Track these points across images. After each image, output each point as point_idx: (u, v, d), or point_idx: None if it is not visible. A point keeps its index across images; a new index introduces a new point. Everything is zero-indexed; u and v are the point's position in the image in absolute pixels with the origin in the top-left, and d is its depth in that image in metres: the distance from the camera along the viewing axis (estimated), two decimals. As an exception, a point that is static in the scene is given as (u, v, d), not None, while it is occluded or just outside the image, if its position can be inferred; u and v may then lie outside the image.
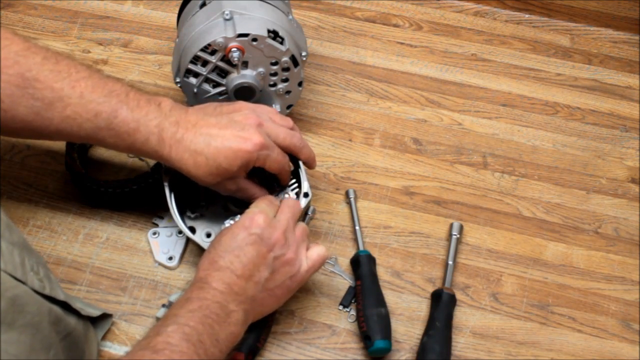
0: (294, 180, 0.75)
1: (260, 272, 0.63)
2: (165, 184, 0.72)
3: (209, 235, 0.73)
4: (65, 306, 0.60)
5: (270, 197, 0.69)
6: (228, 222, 0.71)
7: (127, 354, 0.55)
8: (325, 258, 0.68)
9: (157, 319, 0.70)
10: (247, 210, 0.66)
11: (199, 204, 0.75)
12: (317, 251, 0.68)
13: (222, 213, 0.75)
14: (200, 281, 0.62)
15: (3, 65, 0.61)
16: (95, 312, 0.66)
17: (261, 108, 0.71)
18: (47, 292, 0.57)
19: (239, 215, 0.71)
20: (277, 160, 0.68)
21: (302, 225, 0.69)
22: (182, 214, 0.73)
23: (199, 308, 0.58)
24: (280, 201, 0.69)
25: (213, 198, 0.75)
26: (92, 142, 0.67)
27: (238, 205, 0.74)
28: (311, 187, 0.74)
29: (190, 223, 0.74)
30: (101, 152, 0.84)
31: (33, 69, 0.62)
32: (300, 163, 0.74)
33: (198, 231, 0.73)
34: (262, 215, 0.65)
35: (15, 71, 0.61)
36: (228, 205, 0.75)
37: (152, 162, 0.82)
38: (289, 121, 0.72)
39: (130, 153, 0.66)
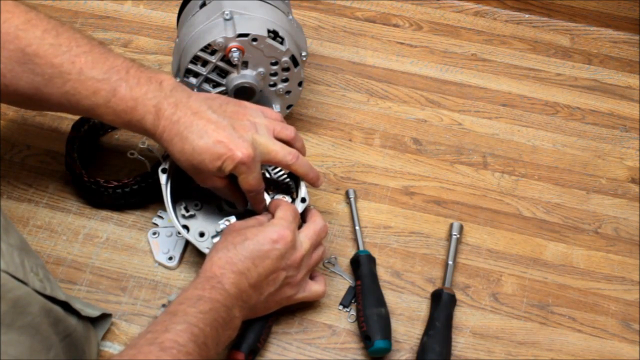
0: (286, 175, 0.75)
1: (268, 285, 0.65)
2: (163, 184, 0.72)
3: (202, 235, 0.73)
4: (66, 307, 0.60)
5: (295, 209, 0.69)
6: (222, 223, 0.70)
7: (130, 346, 0.54)
8: (319, 298, 0.72)
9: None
10: (274, 222, 0.66)
11: (193, 203, 0.75)
12: (317, 288, 0.71)
13: (216, 213, 0.75)
14: (215, 279, 0.62)
15: (3, 40, 0.61)
16: (94, 313, 0.66)
17: (263, 119, 0.69)
18: (48, 292, 0.56)
19: (233, 216, 0.71)
20: (249, 183, 0.67)
21: (322, 250, 0.71)
22: (176, 213, 0.73)
23: (210, 310, 0.58)
24: (309, 210, 0.72)
25: (207, 198, 0.75)
26: (91, 117, 0.68)
27: (232, 205, 0.75)
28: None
29: (184, 222, 0.74)
30: (101, 152, 0.84)
31: (33, 44, 0.62)
32: None
33: (192, 230, 0.73)
34: (290, 233, 0.65)
35: (15, 46, 0.62)
36: (222, 206, 0.75)
37: (152, 162, 0.82)
38: (291, 132, 0.70)
39: (128, 129, 0.67)
